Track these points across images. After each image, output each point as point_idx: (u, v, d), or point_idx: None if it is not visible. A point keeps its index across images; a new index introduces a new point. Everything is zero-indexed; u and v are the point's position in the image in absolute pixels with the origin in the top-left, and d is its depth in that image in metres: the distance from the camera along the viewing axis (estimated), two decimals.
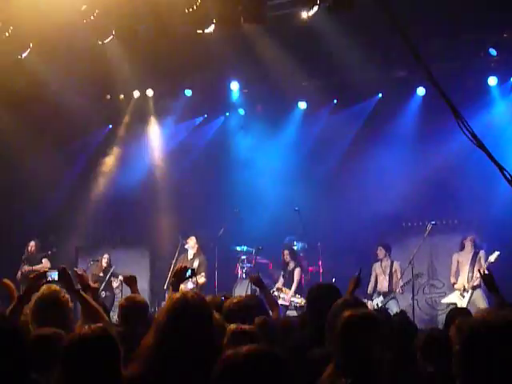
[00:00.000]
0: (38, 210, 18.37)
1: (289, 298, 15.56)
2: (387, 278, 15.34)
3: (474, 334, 3.22)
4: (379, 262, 15.65)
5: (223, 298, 7.64)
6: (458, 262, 14.90)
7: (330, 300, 6.18)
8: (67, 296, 6.44)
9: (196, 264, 15.60)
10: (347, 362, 4.66)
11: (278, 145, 18.97)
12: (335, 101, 18.65)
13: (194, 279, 14.56)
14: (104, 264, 16.80)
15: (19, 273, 16.44)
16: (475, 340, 3.19)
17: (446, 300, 14.90)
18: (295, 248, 17.07)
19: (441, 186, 16.77)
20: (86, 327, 4.24)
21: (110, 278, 16.62)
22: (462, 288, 14.53)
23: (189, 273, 6.88)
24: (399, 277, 15.16)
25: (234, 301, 6.92)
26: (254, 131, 19.36)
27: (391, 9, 5.96)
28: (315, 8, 11.41)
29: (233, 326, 5.53)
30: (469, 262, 14.68)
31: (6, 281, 7.79)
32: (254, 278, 8.67)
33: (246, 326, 5.57)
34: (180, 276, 6.80)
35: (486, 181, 15.31)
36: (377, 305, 15.04)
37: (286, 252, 16.22)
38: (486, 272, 8.22)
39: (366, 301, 14.95)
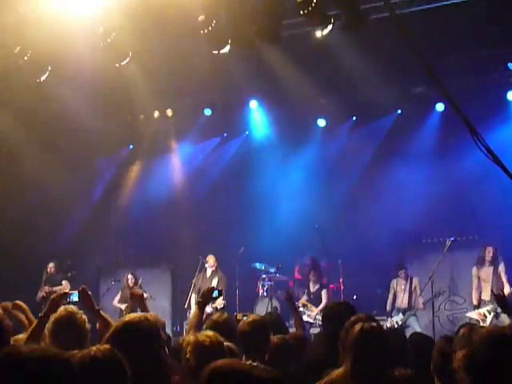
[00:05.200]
0: (59, 231, 18.48)
1: (314, 315, 15.54)
2: (407, 294, 15.24)
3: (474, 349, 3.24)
4: (397, 279, 15.56)
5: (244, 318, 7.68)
6: (478, 278, 14.76)
7: (344, 318, 6.21)
8: (84, 317, 6.47)
9: (215, 282, 15.61)
10: (359, 373, 4.73)
11: (297, 162, 18.98)
12: (354, 118, 18.69)
13: (219, 301, 14.64)
14: (130, 284, 16.78)
15: (40, 294, 16.54)
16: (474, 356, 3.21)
17: (470, 314, 14.69)
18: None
19: (461, 202, 16.72)
20: (95, 348, 4.26)
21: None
22: (485, 308, 14.39)
23: (215, 294, 6.91)
24: (419, 293, 15.07)
25: (249, 320, 6.96)
26: (273, 149, 19.39)
27: (403, 25, 5.98)
28: (329, 27, 11.45)
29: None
30: (490, 278, 14.52)
31: (19, 302, 7.88)
32: (289, 296, 8.88)
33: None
34: (207, 297, 6.84)
35: (507, 196, 15.29)
36: (396, 322, 14.94)
37: (313, 273, 16.25)
38: (501, 292, 8.20)
39: (385, 318, 14.96)
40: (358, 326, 5.21)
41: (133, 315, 4.89)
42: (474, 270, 14.87)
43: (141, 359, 4.32)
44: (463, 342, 4.33)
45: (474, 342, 3.31)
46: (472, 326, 7.24)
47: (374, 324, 5.31)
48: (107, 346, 4.36)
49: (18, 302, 7.97)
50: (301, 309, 15.77)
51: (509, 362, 3.14)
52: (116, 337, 4.52)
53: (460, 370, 3.30)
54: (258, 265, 17.85)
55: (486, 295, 14.43)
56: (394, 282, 15.61)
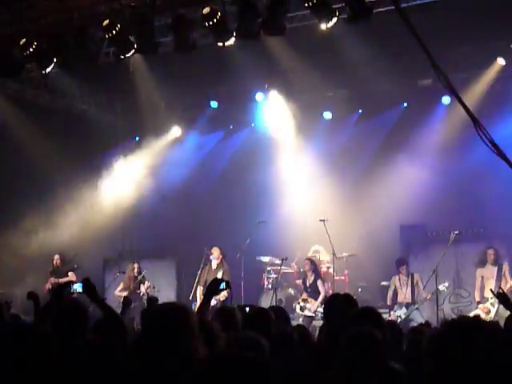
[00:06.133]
0: (65, 222, 18.49)
1: (315, 308, 15.50)
2: (409, 289, 15.19)
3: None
4: (398, 276, 15.53)
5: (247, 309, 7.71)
6: (482, 277, 14.77)
7: (345, 310, 6.21)
8: (85, 306, 6.51)
9: (220, 274, 15.56)
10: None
11: (303, 155, 18.99)
12: (360, 111, 18.68)
13: (223, 292, 14.63)
14: (135, 274, 16.80)
15: (46, 286, 16.59)
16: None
17: (471, 314, 14.65)
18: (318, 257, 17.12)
19: (466, 195, 16.70)
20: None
21: (137, 287, 16.57)
22: (488, 302, 14.40)
23: (223, 285, 6.91)
24: (422, 287, 15.06)
25: (253, 311, 6.99)
26: (279, 141, 19.40)
27: (409, 18, 5.96)
28: (334, 20, 11.46)
29: None
30: (494, 276, 14.53)
31: (32, 292, 7.90)
32: None
33: None
34: (213, 288, 6.84)
35: None
36: (399, 316, 14.92)
37: (306, 262, 16.14)
38: (500, 290, 8.18)
39: (387, 311, 14.95)
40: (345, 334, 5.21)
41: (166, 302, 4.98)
42: (478, 270, 14.87)
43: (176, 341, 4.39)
44: None
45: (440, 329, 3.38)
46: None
47: (364, 331, 5.26)
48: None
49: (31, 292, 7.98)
50: (301, 304, 15.76)
51: (464, 348, 3.17)
52: (155, 319, 4.58)
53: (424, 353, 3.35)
54: (263, 257, 17.86)
55: (489, 293, 14.38)
56: (395, 279, 15.55)
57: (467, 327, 3.23)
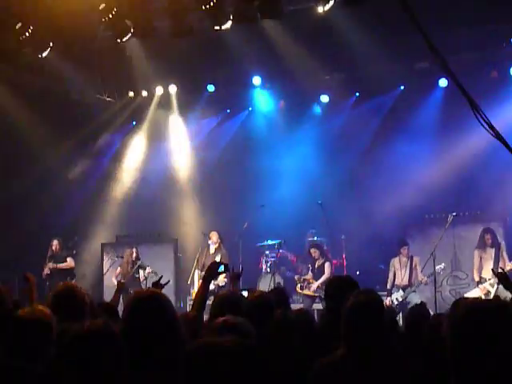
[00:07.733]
0: (62, 207, 18.51)
1: (315, 287, 15.53)
2: (407, 272, 15.22)
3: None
4: (398, 257, 15.52)
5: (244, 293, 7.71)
6: (480, 257, 14.82)
7: (346, 292, 6.20)
8: (84, 291, 6.50)
9: (218, 259, 15.56)
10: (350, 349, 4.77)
11: (300, 138, 18.98)
12: (357, 94, 18.64)
13: (221, 278, 14.69)
14: (133, 258, 16.82)
15: (44, 271, 16.61)
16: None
17: (470, 294, 14.70)
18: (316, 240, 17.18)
19: (464, 178, 16.72)
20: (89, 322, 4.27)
21: (136, 272, 16.60)
22: (487, 282, 14.44)
23: (221, 268, 6.90)
24: (419, 271, 15.07)
25: (255, 295, 6.98)
26: (276, 125, 19.40)
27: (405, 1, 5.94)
28: (331, 2, 11.44)
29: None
30: (492, 256, 14.59)
31: (29, 274, 7.88)
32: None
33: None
34: (212, 271, 6.83)
35: (509, 171, 15.29)
36: (396, 299, 14.96)
37: (314, 250, 16.11)
38: (501, 270, 8.21)
39: (385, 295, 14.98)
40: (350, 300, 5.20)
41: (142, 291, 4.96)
42: (476, 252, 14.91)
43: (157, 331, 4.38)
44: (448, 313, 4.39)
45: (458, 311, 3.41)
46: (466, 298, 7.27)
47: (367, 295, 5.26)
48: (101, 320, 4.39)
49: (27, 274, 7.95)
50: (302, 283, 15.83)
51: (483, 330, 3.22)
52: (131, 311, 4.56)
53: (445, 337, 3.39)
54: (261, 241, 17.87)
55: (487, 273, 14.43)
56: (394, 261, 15.51)
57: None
